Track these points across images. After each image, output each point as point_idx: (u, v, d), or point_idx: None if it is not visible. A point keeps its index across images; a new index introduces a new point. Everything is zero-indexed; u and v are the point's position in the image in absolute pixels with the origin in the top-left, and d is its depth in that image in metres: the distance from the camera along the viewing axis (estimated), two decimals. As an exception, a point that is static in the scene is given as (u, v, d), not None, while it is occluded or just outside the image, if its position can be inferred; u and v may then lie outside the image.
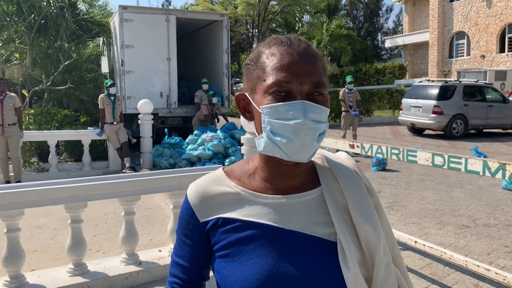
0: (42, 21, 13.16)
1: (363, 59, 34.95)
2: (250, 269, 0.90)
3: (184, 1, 38.27)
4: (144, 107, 9.00)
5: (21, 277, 3.29)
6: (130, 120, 10.45)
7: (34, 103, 13.10)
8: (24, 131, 8.18)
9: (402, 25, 38.83)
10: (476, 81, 15.00)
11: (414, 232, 4.95)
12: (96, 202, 4.10)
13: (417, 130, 14.31)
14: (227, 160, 8.58)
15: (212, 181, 1.01)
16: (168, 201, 5.52)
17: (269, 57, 0.92)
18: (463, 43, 28.46)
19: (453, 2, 28.64)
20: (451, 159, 2.98)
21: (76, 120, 11.31)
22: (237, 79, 30.30)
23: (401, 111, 14.47)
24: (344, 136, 10.07)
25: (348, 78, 10.64)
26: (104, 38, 14.01)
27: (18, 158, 7.77)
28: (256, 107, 0.93)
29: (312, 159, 1.03)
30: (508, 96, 15.17)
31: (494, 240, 4.76)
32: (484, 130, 14.39)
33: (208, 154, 8.64)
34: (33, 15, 12.84)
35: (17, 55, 14.36)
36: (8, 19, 12.52)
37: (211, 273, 1.05)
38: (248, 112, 0.98)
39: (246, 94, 0.97)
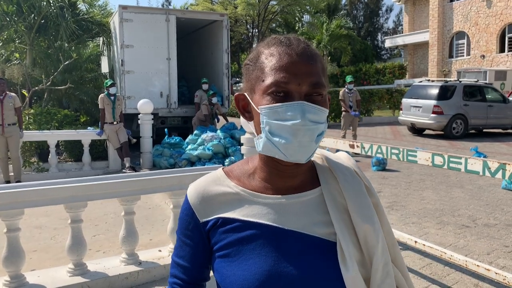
0: (42, 21, 13.17)
1: (363, 59, 34.96)
2: (249, 269, 0.90)
3: (184, 1, 38.30)
4: (144, 107, 9.00)
5: (21, 277, 3.29)
6: (130, 120, 10.45)
7: (34, 103, 13.10)
8: (24, 131, 8.18)
9: (402, 25, 38.83)
10: (476, 81, 15.00)
11: (414, 232, 4.95)
12: (96, 202, 4.10)
13: (417, 130, 14.31)
14: (227, 160, 8.58)
15: (212, 181, 1.01)
16: (168, 201, 5.52)
17: (268, 58, 0.92)
18: (463, 43, 28.46)
19: (453, 2, 28.64)
20: (451, 159, 2.98)
21: (76, 120, 11.31)
22: (237, 79, 30.30)
23: (401, 111, 14.47)
24: (344, 136, 10.07)
25: (348, 78, 10.63)
26: (104, 38, 14.01)
27: (18, 158, 7.77)
28: (255, 108, 0.93)
29: (312, 159, 1.03)
30: (508, 96, 15.17)
31: (494, 240, 4.76)
32: (484, 130, 14.39)
33: (208, 154, 8.64)
34: (33, 15, 12.84)
35: (17, 55, 14.36)
36: (8, 19, 12.52)
37: (211, 273, 1.05)
38: (247, 112, 0.98)
39: (246, 94, 0.97)
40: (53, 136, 8.65)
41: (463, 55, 28.51)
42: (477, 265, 3.38)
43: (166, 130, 9.81)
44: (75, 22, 13.27)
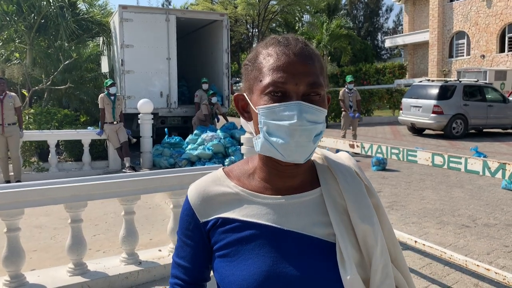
0: (42, 21, 13.17)
1: (363, 59, 34.96)
2: (248, 269, 0.90)
3: (184, 1, 38.31)
4: (144, 106, 9.00)
5: (21, 277, 3.29)
6: (130, 120, 10.45)
7: (34, 102, 13.10)
8: (24, 131, 8.18)
9: (402, 24, 38.83)
10: (476, 81, 14.99)
11: (414, 231, 4.96)
12: (96, 201, 4.10)
13: (417, 130, 14.31)
14: (227, 160, 8.58)
15: (212, 181, 1.01)
16: (168, 201, 5.52)
17: (266, 58, 0.92)
18: (463, 43, 28.45)
19: (453, 2, 28.63)
20: (451, 159, 2.98)
21: (76, 119, 11.31)
22: (237, 79, 30.29)
23: (401, 111, 14.47)
24: (344, 136, 10.07)
25: (348, 78, 10.63)
26: (104, 38, 14.01)
27: (18, 157, 7.77)
28: (253, 108, 0.93)
29: (313, 159, 1.03)
30: (508, 96, 15.17)
31: (494, 240, 4.76)
32: (484, 130, 14.39)
33: (208, 153, 8.64)
34: (33, 14, 12.84)
35: (17, 55, 14.35)
36: (8, 18, 12.52)
37: (212, 273, 1.05)
38: (246, 112, 0.98)
39: (245, 94, 0.97)
40: (53, 136, 8.65)
41: (463, 55, 28.50)
42: (477, 265, 3.38)
43: (166, 130, 9.81)
44: (75, 21, 13.27)
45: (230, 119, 11.24)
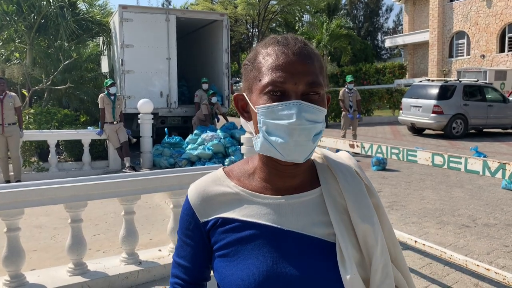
0: (42, 21, 13.16)
1: (363, 59, 34.95)
2: (248, 269, 0.90)
3: (184, 1, 38.29)
4: (144, 106, 9.00)
5: (21, 277, 3.29)
6: (130, 120, 10.45)
7: (34, 102, 13.10)
8: (24, 131, 8.18)
9: (402, 24, 38.82)
10: (476, 81, 14.99)
11: (414, 231, 4.95)
12: (96, 201, 4.10)
13: (417, 130, 14.31)
14: (227, 160, 8.58)
15: (212, 181, 1.01)
16: (168, 201, 5.52)
17: (265, 57, 0.92)
18: (463, 43, 28.45)
19: (453, 2, 28.63)
20: (451, 159, 2.98)
21: (76, 119, 11.31)
22: (237, 79, 30.29)
23: (401, 111, 14.47)
24: (344, 136, 10.07)
25: (348, 78, 10.63)
26: (104, 38, 14.01)
27: (18, 157, 7.77)
28: (253, 107, 0.93)
29: (313, 158, 1.03)
30: (508, 96, 15.17)
31: (494, 239, 4.76)
32: (484, 130, 14.39)
33: (208, 153, 8.64)
34: (33, 14, 12.83)
35: (17, 55, 14.35)
36: (8, 18, 12.52)
37: (212, 273, 1.05)
38: (246, 112, 0.98)
39: (244, 94, 0.97)
40: (53, 136, 8.65)
41: (463, 55, 28.50)
42: (477, 265, 3.38)
43: (166, 129, 9.81)
44: (75, 21, 13.26)
45: (230, 119, 11.24)
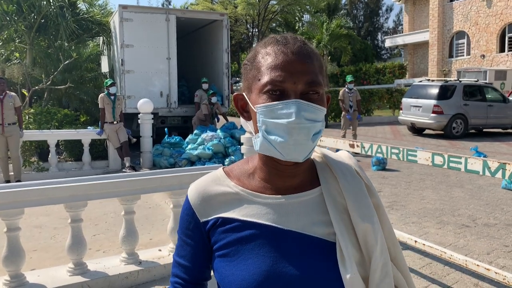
0: (42, 21, 13.16)
1: (363, 59, 34.94)
2: (248, 269, 0.90)
3: (184, 1, 38.28)
4: (144, 106, 9.00)
5: (21, 277, 3.29)
6: (130, 120, 10.45)
7: (34, 102, 13.10)
8: (24, 131, 8.18)
9: (402, 24, 38.82)
10: (476, 81, 14.99)
11: (414, 231, 4.95)
12: (96, 201, 4.09)
13: (417, 130, 14.31)
14: (227, 160, 8.58)
15: (212, 181, 1.01)
16: (168, 201, 5.52)
17: (264, 57, 0.92)
18: (463, 43, 28.45)
19: (453, 2, 28.63)
20: (451, 159, 2.98)
21: (76, 119, 11.30)
22: (237, 79, 30.29)
23: (401, 111, 14.47)
24: (344, 136, 10.07)
25: (348, 78, 10.63)
26: (104, 38, 14.01)
27: (18, 157, 7.77)
28: (252, 107, 0.93)
29: (313, 158, 1.02)
30: (508, 96, 15.17)
31: (494, 239, 4.76)
32: (484, 130, 14.39)
33: (208, 153, 8.64)
34: (33, 14, 12.83)
35: (17, 55, 14.35)
36: (8, 18, 12.51)
37: (212, 273, 1.05)
38: (246, 111, 0.98)
39: (244, 94, 0.97)
40: (53, 136, 8.65)
41: (463, 55, 28.50)
42: (477, 265, 3.38)
43: (166, 129, 9.81)
44: (75, 21, 13.26)
45: (230, 119, 11.23)
